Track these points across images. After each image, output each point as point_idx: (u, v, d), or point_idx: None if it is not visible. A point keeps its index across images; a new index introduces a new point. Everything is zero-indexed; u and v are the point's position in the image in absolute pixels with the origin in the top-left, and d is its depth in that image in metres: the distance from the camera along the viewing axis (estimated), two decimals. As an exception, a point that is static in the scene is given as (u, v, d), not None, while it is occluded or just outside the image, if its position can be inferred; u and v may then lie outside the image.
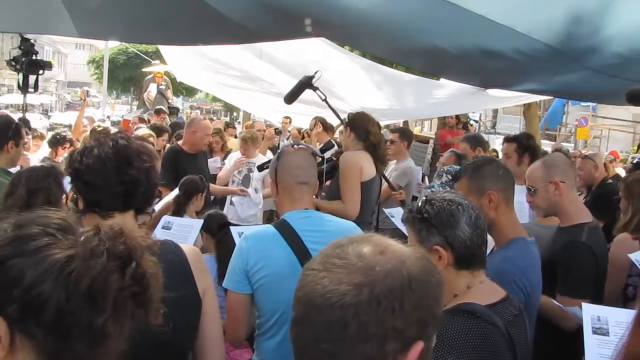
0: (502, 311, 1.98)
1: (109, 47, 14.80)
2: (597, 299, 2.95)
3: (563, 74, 4.65)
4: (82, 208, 1.98)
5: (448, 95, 7.77)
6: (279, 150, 2.95)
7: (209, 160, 6.59)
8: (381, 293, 1.06)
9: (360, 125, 4.43)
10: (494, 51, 4.28)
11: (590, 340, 2.24)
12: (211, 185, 6.16)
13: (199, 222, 3.90)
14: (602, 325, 2.26)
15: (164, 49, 10.08)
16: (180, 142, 6.01)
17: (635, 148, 17.02)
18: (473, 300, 1.95)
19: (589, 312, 2.32)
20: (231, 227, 3.58)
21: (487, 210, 2.56)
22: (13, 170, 3.79)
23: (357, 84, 8.02)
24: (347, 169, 4.27)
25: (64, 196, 3.10)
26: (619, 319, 2.29)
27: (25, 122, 6.81)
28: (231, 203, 6.83)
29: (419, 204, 2.10)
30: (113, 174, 1.92)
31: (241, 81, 9.15)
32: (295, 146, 2.91)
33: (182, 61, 9.89)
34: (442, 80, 7.88)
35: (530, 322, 2.50)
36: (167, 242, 2.13)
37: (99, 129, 6.36)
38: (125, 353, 1.84)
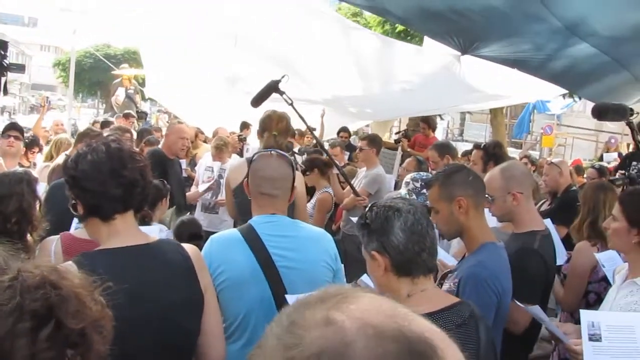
0: (441, 320, 1.96)
1: (75, 49, 14.58)
2: (543, 303, 3.03)
3: (546, 38, 4.68)
4: (83, 214, 2.02)
5: (420, 80, 7.67)
6: (254, 154, 2.93)
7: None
8: None
9: (262, 130, 4.56)
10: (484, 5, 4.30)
11: (587, 348, 2.28)
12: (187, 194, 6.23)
13: (156, 230, 3.80)
14: (596, 331, 2.30)
15: (144, 55, 10.00)
16: (160, 146, 6.03)
17: (597, 159, 17.39)
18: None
19: (586, 319, 2.35)
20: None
21: (457, 216, 2.65)
22: None
23: (329, 63, 7.90)
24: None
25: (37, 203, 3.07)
26: (610, 322, 2.33)
27: (14, 125, 6.65)
28: (202, 210, 6.82)
29: (366, 209, 2.13)
30: (109, 177, 1.97)
31: (215, 82, 9.06)
32: (273, 152, 2.85)
33: (158, 66, 9.80)
34: (415, 59, 7.66)
35: (500, 324, 2.55)
36: (170, 242, 2.20)
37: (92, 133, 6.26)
38: (133, 356, 1.86)
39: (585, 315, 2.36)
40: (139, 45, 10.50)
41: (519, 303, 2.74)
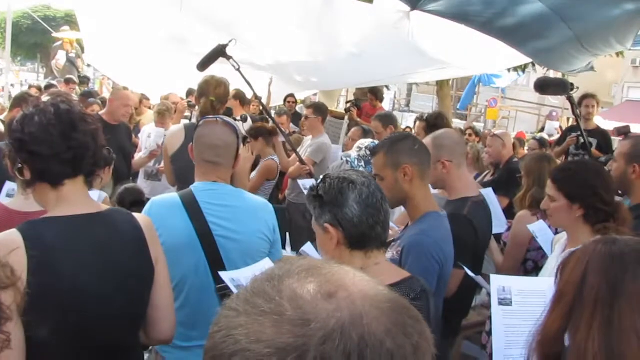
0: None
1: (12, 9, 13.90)
2: (476, 269, 3.09)
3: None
4: (30, 179, 1.92)
5: (367, 43, 7.50)
6: (201, 120, 2.88)
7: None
8: None
9: (200, 95, 4.55)
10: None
11: (496, 312, 2.30)
12: (133, 162, 6.11)
13: (97, 195, 3.72)
14: (507, 296, 2.32)
15: (80, 18, 9.58)
16: (101, 112, 5.84)
17: (538, 131, 17.85)
18: None
19: (496, 284, 2.37)
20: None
21: (402, 184, 2.65)
22: None
23: (272, 24, 7.56)
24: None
25: None
26: (521, 287, 2.36)
27: None
28: (145, 177, 6.68)
29: (318, 181, 2.09)
30: (59, 140, 1.88)
31: (160, 43, 8.75)
32: (218, 119, 2.80)
33: (95, 32, 9.41)
34: (362, 18, 7.47)
35: (441, 292, 2.59)
36: (121, 211, 2.13)
37: (29, 97, 6.01)
38: (81, 326, 1.80)
39: (495, 280, 2.38)
40: (74, 8, 10.02)
41: (470, 272, 2.80)
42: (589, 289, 1.46)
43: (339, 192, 1.99)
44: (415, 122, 10.60)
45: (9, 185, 2.96)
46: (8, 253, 1.34)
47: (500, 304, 2.32)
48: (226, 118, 2.90)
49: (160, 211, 2.57)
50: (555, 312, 1.52)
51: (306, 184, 4.89)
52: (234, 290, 2.32)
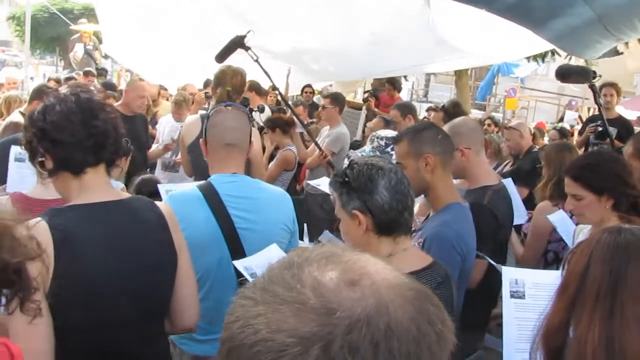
0: (425, 279, 2.00)
1: (30, 3, 13.97)
2: (499, 260, 3.04)
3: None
4: (52, 168, 1.94)
5: (386, 31, 7.38)
6: (210, 110, 2.88)
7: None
8: (338, 355, 0.68)
9: (216, 85, 4.54)
10: None
11: (507, 304, 2.29)
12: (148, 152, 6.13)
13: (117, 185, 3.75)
14: (519, 289, 2.31)
15: (98, 9, 9.59)
16: (117, 104, 5.86)
17: (557, 121, 17.65)
18: None
19: (508, 276, 2.35)
20: (159, 186, 3.41)
21: (423, 173, 2.63)
22: None
23: (286, 12, 7.36)
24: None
25: None
26: (535, 280, 2.34)
27: None
28: (162, 168, 6.70)
29: (343, 167, 2.10)
30: (80, 128, 1.90)
31: (178, 32, 8.73)
32: (228, 106, 2.82)
33: (114, 23, 9.42)
34: (381, 6, 7.36)
35: (463, 284, 2.57)
36: (142, 199, 2.13)
37: (48, 89, 6.04)
38: (106, 315, 1.84)
39: (507, 272, 2.36)
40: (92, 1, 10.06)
41: (492, 261, 2.76)
42: (592, 279, 1.44)
43: (369, 179, 2.00)
44: (428, 113, 10.48)
45: (15, 149, 2.96)
46: (32, 226, 1.39)
47: (512, 296, 2.30)
48: (235, 104, 2.91)
49: (180, 205, 2.52)
50: (558, 304, 1.51)
51: (318, 182, 4.84)
52: (249, 278, 2.32)
